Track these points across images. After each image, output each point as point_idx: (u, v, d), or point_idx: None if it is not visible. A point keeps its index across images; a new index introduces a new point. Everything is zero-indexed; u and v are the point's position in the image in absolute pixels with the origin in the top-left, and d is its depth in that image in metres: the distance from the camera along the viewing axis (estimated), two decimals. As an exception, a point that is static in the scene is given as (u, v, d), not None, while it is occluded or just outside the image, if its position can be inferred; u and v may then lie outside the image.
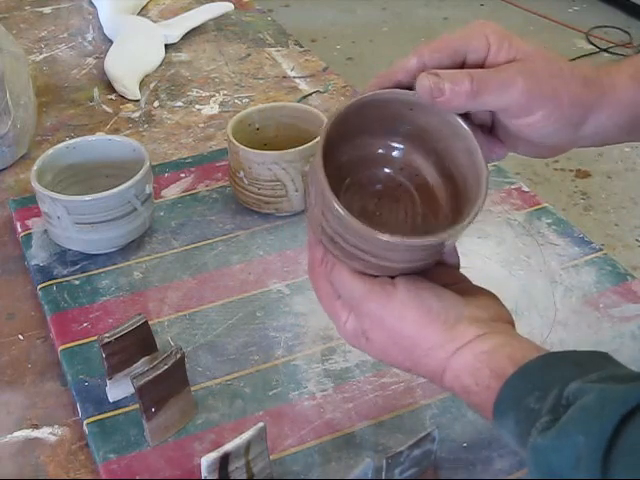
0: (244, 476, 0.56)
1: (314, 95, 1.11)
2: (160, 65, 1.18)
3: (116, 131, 1.03)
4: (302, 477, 0.60)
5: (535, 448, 0.45)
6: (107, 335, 0.63)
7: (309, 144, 0.81)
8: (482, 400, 0.50)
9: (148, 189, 0.81)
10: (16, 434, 0.65)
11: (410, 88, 0.52)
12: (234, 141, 0.83)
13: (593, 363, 0.47)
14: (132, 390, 0.60)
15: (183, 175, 0.92)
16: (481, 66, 0.53)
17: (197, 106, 1.09)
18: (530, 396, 0.47)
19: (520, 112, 0.53)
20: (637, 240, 2.13)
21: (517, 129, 0.54)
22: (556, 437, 0.43)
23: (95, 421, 0.64)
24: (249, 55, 1.22)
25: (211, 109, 1.08)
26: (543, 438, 0.44)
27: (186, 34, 1.25)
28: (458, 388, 0.52)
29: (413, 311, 0.52)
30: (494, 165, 0.92)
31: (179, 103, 1.09)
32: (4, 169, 0.97)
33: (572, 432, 0.43)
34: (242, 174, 0.83)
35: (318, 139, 0.52)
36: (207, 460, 0.54)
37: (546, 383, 0.47)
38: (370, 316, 0.53)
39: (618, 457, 0.41)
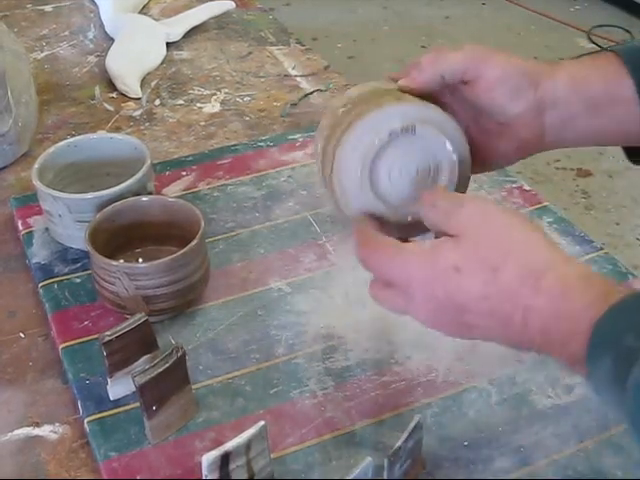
0: (245, 475, 0.56)
1: (315, 94, 1.11)
2: (161, 63, 1.18)
3: (117, 129, 1.03)
4: (303, 476, 0.60)
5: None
6: (108, 333, 0.63)
7: None
8: (579, 315, 0.48)
9: (149, 187, 0.81)
10: (17, 432, 0.65)
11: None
12: None
13: None
14: (133, 388, 0.60)
15: (184, 173, 0.92)
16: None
17: (198, 104, 1.09)
18: (629, 334, 0.46)
19: (472, 73, 0.61)
20: (638, 239, 2.13)
21: (482, 103, 0.62)
22: None
23: (96, 419, 0.64)
24: (250, 53, 1.22)
25: (212, 107, 1.08)
26: None
27: (187, 32, 1.25)
28: (558, 288, 0.50)
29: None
30: (495, 164, 0.92)
31: (180, 101, 1.09)
32: (5, 167, 0.96)
33: None
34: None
35: None
36: (208, 459, 0.54)
37: None
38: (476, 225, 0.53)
39: None
